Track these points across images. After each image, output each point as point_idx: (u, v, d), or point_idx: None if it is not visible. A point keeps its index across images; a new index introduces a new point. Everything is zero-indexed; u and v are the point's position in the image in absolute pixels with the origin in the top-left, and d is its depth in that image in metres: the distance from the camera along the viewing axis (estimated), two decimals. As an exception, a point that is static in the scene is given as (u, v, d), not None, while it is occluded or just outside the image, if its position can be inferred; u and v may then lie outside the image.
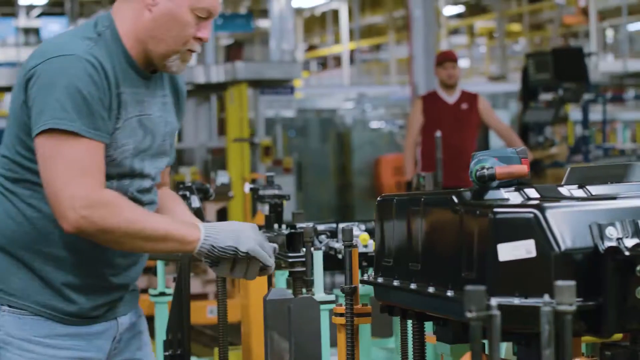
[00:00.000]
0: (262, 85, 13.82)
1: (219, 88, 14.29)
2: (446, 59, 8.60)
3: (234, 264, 2.50)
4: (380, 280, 2.45)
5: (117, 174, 2.54)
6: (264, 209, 3.83)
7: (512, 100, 18.67)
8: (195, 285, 6.74)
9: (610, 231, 2.09)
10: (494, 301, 1.81)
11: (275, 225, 3.57)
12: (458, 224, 2.20)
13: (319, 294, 3.08)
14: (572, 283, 1.82)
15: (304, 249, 3.12)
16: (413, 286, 2.32)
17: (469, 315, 1.80)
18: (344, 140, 20.03)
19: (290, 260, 3.21)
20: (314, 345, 2.23)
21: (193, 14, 2.52)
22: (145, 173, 2.60)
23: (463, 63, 27.55)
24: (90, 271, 2.59)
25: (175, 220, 2.56)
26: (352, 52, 26.01)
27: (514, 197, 2.26)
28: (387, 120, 25.06)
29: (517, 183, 2.41)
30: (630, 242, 2.06)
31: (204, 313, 6.63)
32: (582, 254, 2.07)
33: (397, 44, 25.96)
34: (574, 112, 12.35)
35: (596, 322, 2.07)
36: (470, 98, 8.59)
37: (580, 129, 11.73)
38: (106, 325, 2.64)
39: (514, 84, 18.74)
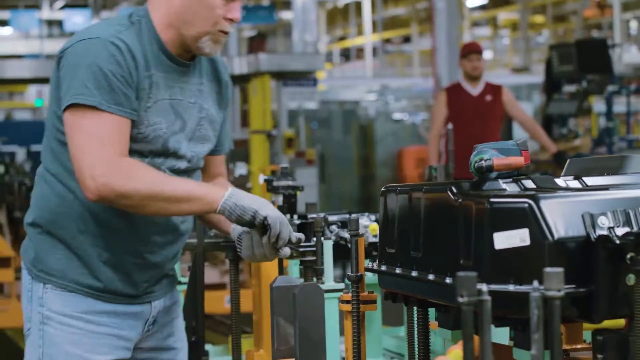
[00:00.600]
0: (285, 77, 13.95)
1: (242, 80, 14.38)
2: (471, 51, 8.62)
3: (252, 241, 2.61)
4: (383, 268, 2.54)
5: (149, 151, 2.65)
6: (278, 200, 3.92)
7: (536, 92, 18.68)
8: (213, 276, 6.84)
9: (602, 220, 2.16)
10: (484, 287, 1.89)
11: (287, 215, 3.65)
12: (456, 213, 2.27)
13: (329, 282, 3.17)
14: (560, 270, 1.90)
15: (315, 239, 3.21)
16: (414, 274, 2.39)
17: (460, 300, 1.88)
18: (367, 132, 20.08)
19: (301, 249, 3.29)
20: (318, 330, 2.32)
21: None
22: (180, 154, 2.71)
23: (486, 55, 27.53)
24: (126, 249, 2.69)
25: (196, 182, 2.65)
26: (375, 44, 26.07)
27: (511, 187, 2.34)
28: (410, 112, 25.11)
29: (517, 174, 2.49)
30: (621, 231, 2.13)
31: (221, 303, 6.73)
32: (574, 243, 2.14)
33: (420, 36, 26.00)
34: (597, 104, 12.35)
35: (588, 308, 2.14)
36: (494, 90, 8.61)
37: (604, 121, 11.72)
38: (142, 307, 2.74)
39: (537, 76, 18.75)
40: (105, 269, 2.68)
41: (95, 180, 2.51)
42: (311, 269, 3.24)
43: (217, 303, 6.70)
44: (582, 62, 11.21)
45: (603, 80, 11.32)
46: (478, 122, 8.40)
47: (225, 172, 2.97)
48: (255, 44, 18.44)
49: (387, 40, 28.48)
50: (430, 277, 2.34)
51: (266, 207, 2.61)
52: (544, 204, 2.16)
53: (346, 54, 29.75)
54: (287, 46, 21.46)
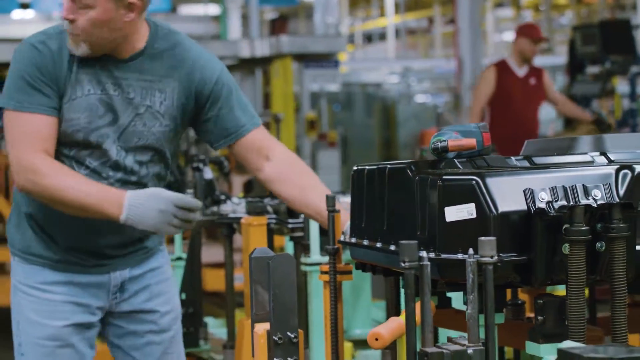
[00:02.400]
0: (306, 59, 13.96)
1: (264, 62, 14.46)
2: (541, 38, 8.56)
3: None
4: (353, 240, 2.79)
5: (72, 143, 2.92)
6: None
7: (559, 73, 18.73)
8: (219, 254, 7.07)
9: (542, 195, 2.39)
10: (424, 254, 2.14)
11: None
12: (414, 189, 2.51)
13: (315, 255, 3.42)
14: (493, 239, 2.14)
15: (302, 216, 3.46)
16: (379, 245, 2.63)
17: (402, 265, 2.13)
18: (389, 114, 20.21)
19: (290, 226, 3.54)
20: (291, 296, 2.56)
21: None
22: (104, 147, 2.94)
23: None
24: (78, 231, 2.98)
25: (101, 192, 2.87)
26: (397, 25, 26.17)
27: (465, 166, 2.58)
28: (433, 94, 25.24)
29: (478, 154, 2.74)
30: (558, 205, 2.37)
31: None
32: (516, 216, 2.38)
33: (442, 17, 26.09)
34: (621, 85, 12.41)
35: (528, 274, 2.38)
36: (537, 73, 8.58)
37: (628, 102, 11.80)
38: (100, 277, 3.02)
39: (560, 57, 18.80)
40: (60, 243, 2.98)
41: (19, 176, 2.85)
42: (300, 244, 3.49)
43: (222, 280, 6.90)
44: (606, 43, 11.22)
45: (626, 61, 11.35)
46: (523, 104, 8.35)
47: (276, 142, 3.13)
48: (277, 26, 18.55)
49: (410, 23, 28.58)
50: (392, 247, 2.58)
51: (158, 225, 2.84)
52: (489, 181, 2.39)
53: (368, 36, 29.89)
54: (309, 28, 21.59)
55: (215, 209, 3.83)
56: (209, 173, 4.09)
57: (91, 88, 2.91)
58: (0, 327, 4.05)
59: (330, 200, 2.97)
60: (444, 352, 2.11)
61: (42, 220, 3.00)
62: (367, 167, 2.77)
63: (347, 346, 3.35)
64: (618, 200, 2.39)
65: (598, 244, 2.37)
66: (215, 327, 4.32)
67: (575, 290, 2.32)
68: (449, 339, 2.23)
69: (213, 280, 5.99)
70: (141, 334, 3.10)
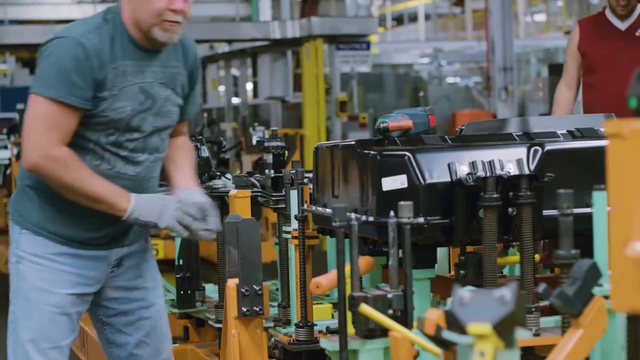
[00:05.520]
0: (337, 41, 14.18)
1: (295, 44, 14.69)
2: None
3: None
4: (313, 208, 3.24)
5: (115, 129, 3.11)
6: (269, 158, 4.58)
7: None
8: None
9: (463, 169, 2.82)
10: (353, 215, 2.58)
11: (266, 171, 4.33)
12: (359, 163, 2.96)
13: (295, 224, 3.85)
14: (410, 203, 2.58)
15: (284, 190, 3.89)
16: (329, 211, 3.08)
17: (334, 224, 2.58)
18: (420, 96, 20.49)
19: (274, 198, 3.99)
20: (256, 254, 3.02)
21: None
22: (142, 129, 3.15)
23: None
24: (85, 213, 3.16)
25: (112, 188, 3.08)
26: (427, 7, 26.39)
27: (404, 144, 3.02)
28: (463, 76, 25.51)
29: (425, 133, 3.18)
30: (475, 177, 2.80)
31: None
32: (442, 186, 2.81)
33: (473, -1, 26.32)
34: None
35: (451, 235, 2.82)
36: None
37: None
38: (104, 252, 3.21)
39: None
40: (70, 224, 3.16)
41: (33, 158, 3.03)
42: (282, 215, 3.92)
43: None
44: (637, 23, 11.31)
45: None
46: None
47: (186, 132, 3.42)
48: (308, 8, 18.78)
49: (441, 4, 28.80)
50: (344, 213, 3.02)
51: (164, 217, 3.07)
52: (419, 156, 2.83)
53: (399, 17, 30.21)
54: (340, 9, 21.85)
55: (210, 184, 4.29)
56: (205, 151, 4.54)
57: (133, 78, 3.11)
58: None
59: (300, 174, 3.42)
60: (367, 296, 2.55)
61: (57, 200, 3.14)
62: (324, 145, 3.22)
63: (328, 307, 3.77)
64: (527, 173, 2.82)
65: (510, 209, 2.81)
66: (211, 293, 4.75)
67: (489, 247, 2.76)
68: (377, 287, 2.68)
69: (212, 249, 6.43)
70: (132, 312, 3.29)
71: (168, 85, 3.20)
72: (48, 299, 3.16)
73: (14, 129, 9.83)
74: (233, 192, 3.91)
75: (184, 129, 3.40)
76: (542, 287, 2.15)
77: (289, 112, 17.81)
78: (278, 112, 17.26)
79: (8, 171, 10.14)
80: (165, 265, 5.72)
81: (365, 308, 2.48)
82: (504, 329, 1.68)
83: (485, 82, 18.83)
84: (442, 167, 2.84)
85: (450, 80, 24.99)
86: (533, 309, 2.78)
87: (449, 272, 3.61)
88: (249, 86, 19.65)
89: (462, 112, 19.26)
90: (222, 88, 18.87)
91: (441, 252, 3.56)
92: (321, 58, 13.98)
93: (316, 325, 3.46)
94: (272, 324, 3.78)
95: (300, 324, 3.41)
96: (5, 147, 10.94)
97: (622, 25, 5.49)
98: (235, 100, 18.25)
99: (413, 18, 28.05)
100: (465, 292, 1.76)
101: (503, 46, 15.36)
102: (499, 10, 15.37)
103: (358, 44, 14.71)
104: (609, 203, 1.55)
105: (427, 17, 26.77)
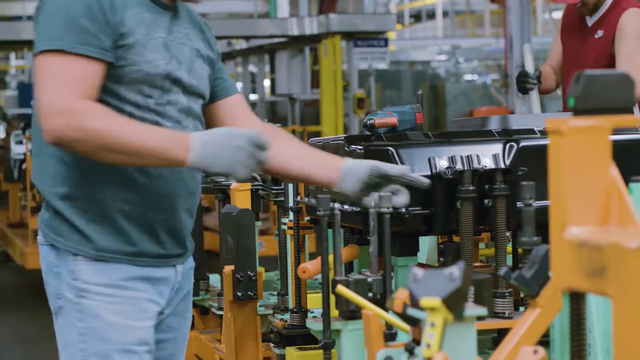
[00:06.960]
0: (355, 38, 14.31)
1: (313, 40, 14.85)
2: None
3: None
4: (306, 200, 3.45)
5: (154, 86, 2.59)
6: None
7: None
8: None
9: (442, 163, 3.02)
10: (337, 205, 2.78)
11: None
12: (347, 157, 3.15)
13: (292, 216, 4.06)
14: (389, 194, 2.78)
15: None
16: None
17: (319, 213, 2.78)
18: (437, 93, 20.59)
19: (274, 192, 4.20)
20: (250, 242, 3.23)
21: None
22: (185, 83, 2.65)
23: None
24: (149, 205, 2.61)
25: (161, 131, 2.50)
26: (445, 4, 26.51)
27: (389, 139, 3.21)
28: (481, 73, 25.63)
29: (412, 129, 3.37)
30: (454, 170, 3.00)
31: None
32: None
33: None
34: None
35: (431, 224, 3.02)
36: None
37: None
38: (169, 271, 2.67)
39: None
40: (133, 228, 2.58)
41: (50, 120, 2.39)
42: (281, 207, 4.13)
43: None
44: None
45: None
46: None
47: (250, 109, 2.92)
48: (326, 5, 18.95)
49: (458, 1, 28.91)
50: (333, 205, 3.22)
51: (236, 169, 2.49)
52: (402, 151, 3.03)
53: (416, 14, 30.36)
54: (358, 6, 22.02)
55: (213, 177, 4.51)
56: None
57: (153, 31, 2.59)
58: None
59: (295, 168, 3.62)
60: (349, 280, 2.75)
61: (105, 194, 2.55)
62: (316, 141, 3.43)
63: (326, 294, 3.98)
64: (502, 167, 3.02)
65: (486, 201, 3.00)
66: (215, 282, 4.97)
67: (466, 236, 2.95)
68: (360, 272, 2.88)
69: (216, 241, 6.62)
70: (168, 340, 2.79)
71: (192, 48, 2.72)
72: (131, 335, 2.57)
73: (30, 124, 10.08)
74: (234, 185, 4.12)
75: (244, 104, 2.91)
76: (503, 270, 2.34)
77: (307, 108, 17.99)
78: (296, 109, 17.48)
79: (24, 166, 10.37)
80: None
81: (341, 289, 2.68)
82: (453, 303, 1.87)
83: (503, 80, 18.95)
84: (423, 161, 3.04)
85: (468, 77, 25.11)
86: (506, 294, 2.98)
87: (438, 261, 3.81)
88: (267, 83, 19.84)
89: (479, 109, 19.33)
90: (239, 85, 19.10)
91: (432, 242, 3.76)
92: (339, 55, 14.11)
93: (312, 312, 3.67)
94: (271, 312, 4.00)
95: (295, 310, 3.62)
96: (21, 142, 11.18)
97: (590, 21, 5.13)
98: (252, 97, 18.47)
99: (431, 15, 28.20)
100: (418, 271, 1.95)
101: (521, 43, 15.50)
102: (518, 7, 15.47)
103: (376, 40, 14.80)
104: (549, 194, 1.74)
105: (445, 14, 26.92)
